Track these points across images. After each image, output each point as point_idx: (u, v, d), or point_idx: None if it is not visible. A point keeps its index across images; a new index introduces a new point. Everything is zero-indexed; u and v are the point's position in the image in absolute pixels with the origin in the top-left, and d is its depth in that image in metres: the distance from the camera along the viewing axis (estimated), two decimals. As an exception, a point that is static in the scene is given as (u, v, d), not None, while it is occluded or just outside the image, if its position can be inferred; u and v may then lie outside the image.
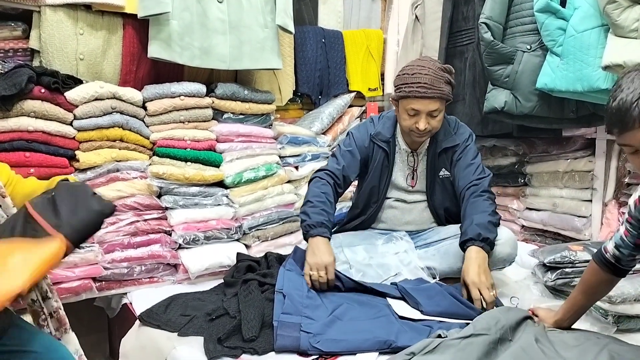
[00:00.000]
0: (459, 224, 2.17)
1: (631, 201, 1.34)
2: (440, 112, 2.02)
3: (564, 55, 2.17)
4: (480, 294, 1.79)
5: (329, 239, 1.97)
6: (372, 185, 2.21)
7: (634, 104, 1.14)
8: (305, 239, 2.00)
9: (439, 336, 1.50)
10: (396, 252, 2.14)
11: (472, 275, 1.83)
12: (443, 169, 2.17)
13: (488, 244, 1.91)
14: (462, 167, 2.12)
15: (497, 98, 2.46)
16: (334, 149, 2.27)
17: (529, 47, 2.36)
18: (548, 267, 1.96)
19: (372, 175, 2.20)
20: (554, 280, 1.90)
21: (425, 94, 1.94)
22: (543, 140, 2.76)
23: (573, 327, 1.60)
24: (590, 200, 2.58)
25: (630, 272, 1.83)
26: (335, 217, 2.64)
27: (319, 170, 2.18)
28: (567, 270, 1.89)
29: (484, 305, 1.78)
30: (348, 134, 2.25)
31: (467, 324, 1.62)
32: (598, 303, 1.76)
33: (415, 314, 1.77)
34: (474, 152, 2.16)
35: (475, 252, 1.87)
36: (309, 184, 2.16)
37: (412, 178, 2.20)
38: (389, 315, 1.75)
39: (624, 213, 2.38)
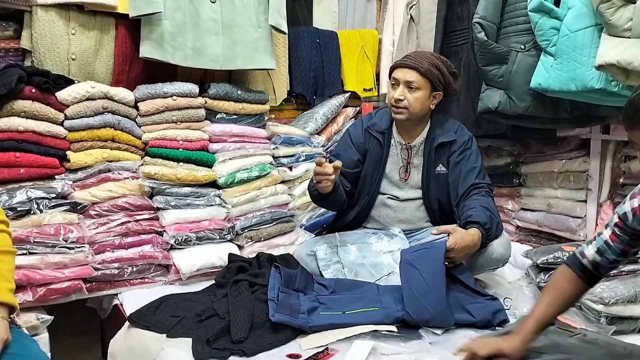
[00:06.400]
0: (453, 224, 2.17)
1: (628, 207, 1.28)
2: (419, 90, 2.06)
3: (557, 55, 2.16)
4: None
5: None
6: (365, 176, 2.21)
7: None
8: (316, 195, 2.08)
9: None
10: (390, 251, 2.12)
11: (458, 247, 1.83)
12: (440, 165, 2.17)
13: (487, 238, 1.91)
14: (464, 170, 2.11)
15: (491, 98, 2.44)
16: (333, 151, 2.31)
17: (522, 46, 2.35)
18: (541, 268, 1.95)
19: (366, 166, 2.22)
20: (547, 281, 1.88)
21: (405, 62, 2.08)
22: (538, 140, 2.75)
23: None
24: (585, 201, 2.58)
25: (625, 274, 1.85)
26: (328, 218, 2.63)
27: None
28: (560, 271, 1.88)
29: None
30: (345, 131, 2.30)
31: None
32: (591, 304, 1.75)
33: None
34: (476, 155, 2.16)
35: (477, 235, 1.87)
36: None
37: (406, 171, 2.19)
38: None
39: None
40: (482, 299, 1.84)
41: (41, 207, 1.97)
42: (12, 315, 1.42)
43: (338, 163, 1.94)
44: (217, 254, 2.26)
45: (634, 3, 1.85)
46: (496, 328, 1.74)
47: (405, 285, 1.80)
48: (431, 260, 1.82)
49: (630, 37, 1.87)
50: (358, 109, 3.19)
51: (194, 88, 2.41)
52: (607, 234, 1.34)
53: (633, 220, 1.28)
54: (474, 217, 1.93)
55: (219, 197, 2.40)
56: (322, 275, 2.05)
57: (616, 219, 1.32)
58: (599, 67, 1.94)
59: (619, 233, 1.32)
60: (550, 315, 1.37)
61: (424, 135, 2.19)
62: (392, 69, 2.14)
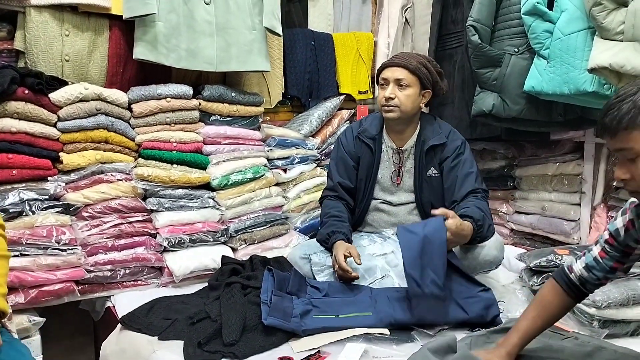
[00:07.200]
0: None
1: (620, 224, 1.27)
2: (409, 87, 2.09)
3: (551, 58, 2.17)
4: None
5: (344, 240, 2.02)
6: (359, 182, 2.23)
7: (613, 110, 1.09)
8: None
9: None
10: (383, 254, 2.12)
11: (457, 228, 1.81)
12: (432, 168, 2.18)
13: (477, 234, 1.91)
14: (460, 176, 2.12)
15: (485, 101, 2.45)
16: (328, 166, 2.35)
17: (516, 49, 2.36)
18: (534, 271, 1.95)
19: (359, 173, 2.23)
20: (540, 284, 1.89)
21: (393, 61, 2.12)
22: (532, 143, 2.76)
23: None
24: (579, 204, 2.58)
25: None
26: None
27: (323, 190, 2.29)
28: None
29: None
30: (337, 141, 2.31)
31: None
32: (583, 308, 1.75)
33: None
34: (471, 161, 2.16)
35: (469, 227, 1.86)
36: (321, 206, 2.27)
37: (398, 175, 2.20)
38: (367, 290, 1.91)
39: (612, 217, 2.40)
40: (476, 291, 1.84)
41: (33, 208, 1.96)
42: (3, 320, 1.41)
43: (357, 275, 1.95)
44: (210, 257, 2.25)
45: (626, 6, 1.86)
46: (489, 326, 1.74)
47: (405, 251, 1.77)
48: (432, 229, 1.80)
49: (622, 41, 1.88)
50: (353, 111, 3.18)
51: (188, 90, 2.41)
52: (596, 250, 1.33)
53: (625, 236, 1.27)
54: (467, 212, 1.94)
55: (213, 199, 2.40)
56: (315, 278, 2.05)
57: (607, 236, 1.31)
58: (592, 70, 1.95)
59: (608, 250, 1.31)
60: (535, 329, 1.37)
61: (414, 139, 2.19)
62: (380, 70, 2.17)
